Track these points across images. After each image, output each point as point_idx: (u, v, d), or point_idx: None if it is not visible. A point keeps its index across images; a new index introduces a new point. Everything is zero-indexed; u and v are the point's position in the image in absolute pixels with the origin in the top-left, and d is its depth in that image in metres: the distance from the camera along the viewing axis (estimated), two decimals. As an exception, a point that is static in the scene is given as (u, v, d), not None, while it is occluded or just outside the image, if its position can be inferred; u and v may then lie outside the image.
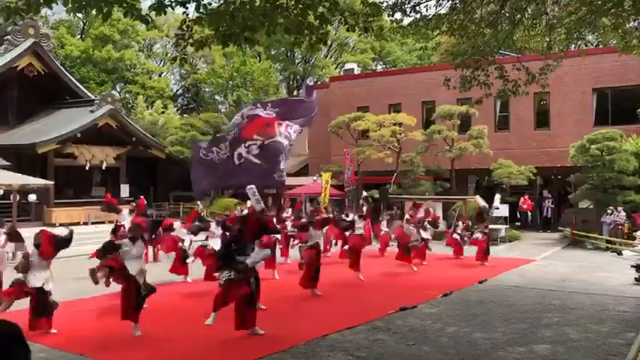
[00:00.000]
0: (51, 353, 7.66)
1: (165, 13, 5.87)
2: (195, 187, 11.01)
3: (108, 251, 8.73)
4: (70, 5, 5.27)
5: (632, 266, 13.12)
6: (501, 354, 7.48)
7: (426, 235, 15.58)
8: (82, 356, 7.63)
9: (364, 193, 21.00)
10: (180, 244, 12.88)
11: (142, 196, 20.74)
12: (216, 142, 10.23)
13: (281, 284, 12.37)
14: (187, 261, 12.81)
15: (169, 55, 46.03)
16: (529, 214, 25.58)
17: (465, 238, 16.92)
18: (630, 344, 7.26)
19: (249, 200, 24.47)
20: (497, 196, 21.76)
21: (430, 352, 7.59)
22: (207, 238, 12.64)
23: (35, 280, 8.52)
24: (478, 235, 15.99)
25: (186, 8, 6.03)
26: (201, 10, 6.14)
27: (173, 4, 5.74)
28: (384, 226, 18.04)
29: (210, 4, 6.30)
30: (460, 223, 18.07)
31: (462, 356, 7.45)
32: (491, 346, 7.81)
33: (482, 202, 19.25)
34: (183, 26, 6.41)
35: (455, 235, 17.19)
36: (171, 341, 8.27)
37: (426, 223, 15.75)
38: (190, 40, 6.49)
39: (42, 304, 8.46)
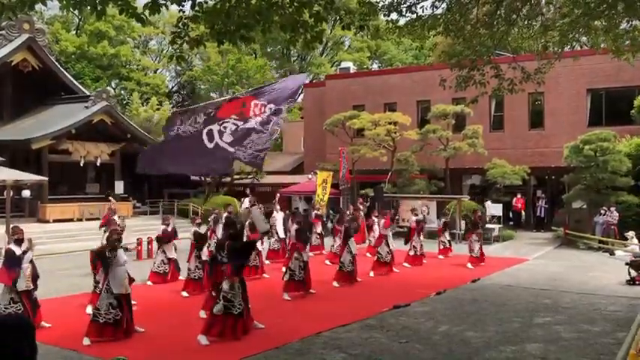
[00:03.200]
0: (44, 349, 7.64)
1: (159, 12, 5.87)
2: (142, 163, 10.40)
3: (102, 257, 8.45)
4: (64, 2, 5.26)
5: (626, 264, 13.19)
6: (493, 353, 7.52)
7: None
8: (75, 352, 7.64)
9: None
10: None
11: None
12: (183, 114, 9.73)
13: (274, 282, 12.38)
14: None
15: (165, 51, 45.96)
16: (522, 213, 25.69)
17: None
18: (621, 344, 7.32)
19: (245, 198, 24.44)
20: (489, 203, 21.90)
21: (423, 350, 7.64)
22: None
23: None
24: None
25: (182, 6, 6.03)
26: (196, 9, 6.14)
27: (168, 3, 5.74)
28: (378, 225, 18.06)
29: (206, 2, 6.30)
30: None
31: (454, 354, 7.49)
32: (484, 345, 7.86)
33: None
34: (179, 24, 6.40)
35: (442, 239, 17.17)
36: (164, 338, 8.29)
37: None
38: (186, 38, 6.49)
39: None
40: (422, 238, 15.91)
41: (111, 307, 8.05)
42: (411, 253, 15.58)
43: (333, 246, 16.15)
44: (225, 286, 8.15)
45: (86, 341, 7.85)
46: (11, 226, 9.12)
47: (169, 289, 11.92)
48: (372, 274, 13.65)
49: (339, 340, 8.09)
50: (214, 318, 8.06)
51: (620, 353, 6.69)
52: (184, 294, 11.32)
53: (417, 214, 16.30)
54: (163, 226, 13.22)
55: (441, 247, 17.23)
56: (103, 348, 7.73)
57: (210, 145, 9.30)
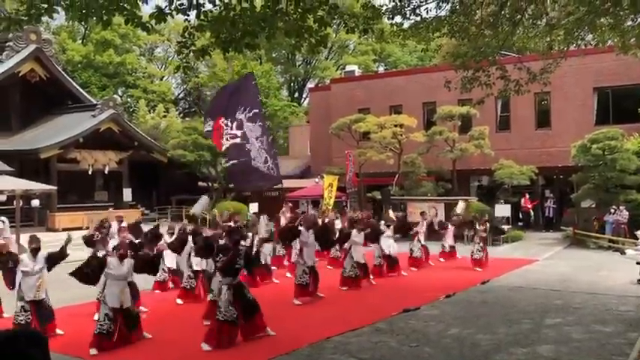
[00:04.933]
0: (53, 357, 7.67)
1: (165, 21, 5.92)
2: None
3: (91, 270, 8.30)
4: (71, 14, 5.31)
5: (637, 263, 13.08)
6: (504, 355, 7.49)
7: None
8: (80, 359, 7.67)
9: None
10: None
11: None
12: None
13: (283, 287, 12.38)
14: None
15: (170, 59, 46.17)
16: (531, 213, 25.58)
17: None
18: (633, 344, 7.27)
19: (251, 203, 24.43)
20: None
21: (433, 354, 7.61)
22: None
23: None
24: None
25: (188, 15, 6.06)
26: (202, 17, 6.17)
27: (173, 13, 5.78)
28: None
29: (211, 11, 6.33)
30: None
31: (464, 357, 7.46)
32: (494, 347, 7.82)
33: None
34: (185, 33, 6.44)
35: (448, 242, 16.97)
36: (170, 345, 8.30)
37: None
38: (192, 48, 6.52)
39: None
40: (422, 240, 15.88)
41: (106, 319, 8.03)
42: (414, 255, 15.52)
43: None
44: (223, 295, 8.18)
45: (93, 351, 7.89)
46: (29, 235, 9.20)
47: (174, 295, 11.92)
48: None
49: (349, 345, 8.07)
50: (212, 325, 8.13)
51: (633, 354, 6.64)
52: (179, 301, 11.34)
53: (426, 218, 16.59)
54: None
55: (440, 249, 16.88)
56: (111, 356, 7.77)
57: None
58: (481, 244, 15.45)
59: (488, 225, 16.34)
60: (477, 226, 15.84)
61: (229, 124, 11.01)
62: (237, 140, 11.17)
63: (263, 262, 12.66)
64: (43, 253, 8.71)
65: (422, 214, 17.42)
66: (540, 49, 12.90)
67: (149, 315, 9.61)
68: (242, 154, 11.15)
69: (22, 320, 8.31)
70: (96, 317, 9.06)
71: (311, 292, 11.26)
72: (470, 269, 15.05)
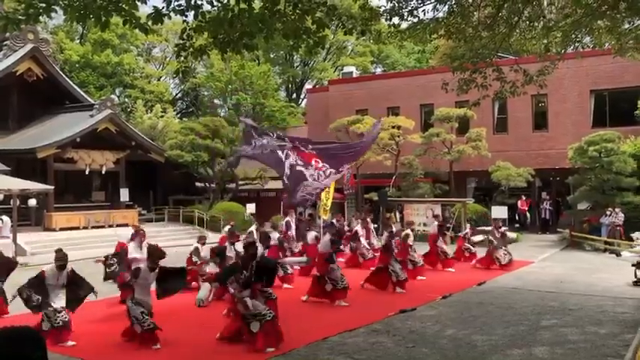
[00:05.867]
0: (52, 357, 7.67)
1: (162, 23, 5.93)
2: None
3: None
4: (69, 15, 5.32)
5: (632, 265, 13.15)
6: (500, 356, 7.51)
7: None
8: (82, 360, 7.67)
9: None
10: None
11: None
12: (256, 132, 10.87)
13: (280, 289, 12.38)
14: None
15: (168, 59, 46.15)
16: (527, 215, 25.64)
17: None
18: (629, 346, 7.30)
19: (248, 204, 24.33)
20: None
21: (429, 355, 7.63)
22: None
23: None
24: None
25: (186, 17, 6.07)
26: (200, 19, 6.18)
27: (171, 14, 5.79)
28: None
29: (209, 12, 6.34)
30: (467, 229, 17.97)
31: (461, 358, 7.48)
32: (490, 348, 7.85)
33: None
34: (184, 35, 6.45)
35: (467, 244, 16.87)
36: (170, 346, 8.28)
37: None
38: (191, 50, 6.53)
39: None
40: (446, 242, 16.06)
41: (144, 315, 8.07)
42: (441, 257, 15.51)
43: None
44: (249, 303, 8.00)
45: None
46: (54, 249, 9.03)
47: (177, 296, 11.89)
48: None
49: (345, 346, 8.09)
50: (257, 334, 7.90)
51: (628, 355, 6.68)
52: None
53: (439, 220, 16.72)
54: (197, 245, 12.78)
55: (467, 254, 16.67)
56: (110, 357, 7.77)
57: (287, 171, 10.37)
58: (506, 247, 15.76)
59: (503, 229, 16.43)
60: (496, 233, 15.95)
61: (320, 166, 10.81)
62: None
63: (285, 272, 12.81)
64: (68, 269, 8.64)
65: (435, 216, 17.73)
66: (537, 51, 12.95)
67: (158, 313, 9.62)
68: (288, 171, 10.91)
69: (64, 318, 8.29)
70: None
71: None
72: (467, 270, 15.11)
